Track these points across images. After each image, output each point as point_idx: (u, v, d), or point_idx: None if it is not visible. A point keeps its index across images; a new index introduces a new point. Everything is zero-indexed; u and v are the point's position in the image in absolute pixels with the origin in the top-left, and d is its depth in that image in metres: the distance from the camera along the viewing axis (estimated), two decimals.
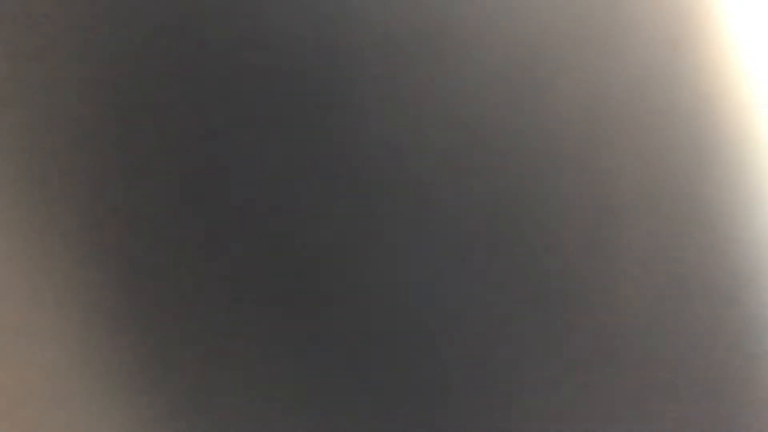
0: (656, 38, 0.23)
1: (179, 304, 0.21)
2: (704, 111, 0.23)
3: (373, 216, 0.21)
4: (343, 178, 0.21)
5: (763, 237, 0.24)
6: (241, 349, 0.21)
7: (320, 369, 0.21)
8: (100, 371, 0.22)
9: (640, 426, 0.22)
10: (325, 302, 0.21)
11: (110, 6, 0.20)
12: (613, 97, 0.22)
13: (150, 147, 0.21)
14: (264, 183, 0.21)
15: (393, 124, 0.21)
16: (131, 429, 0.22)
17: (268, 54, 0.21)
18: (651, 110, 0.22)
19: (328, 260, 0.21)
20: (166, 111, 0.21)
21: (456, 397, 0.22)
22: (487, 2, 0.21)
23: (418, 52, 0.21)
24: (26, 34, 0.21)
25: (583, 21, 0.22)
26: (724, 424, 0.23)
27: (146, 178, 0.21)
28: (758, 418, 0.23)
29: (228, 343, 0.21)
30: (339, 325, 0.21)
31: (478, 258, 0.21)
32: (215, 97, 0.21)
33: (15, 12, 0.20)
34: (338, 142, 0.21)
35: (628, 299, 0.22)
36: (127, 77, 0.21)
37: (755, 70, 0.25)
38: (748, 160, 0.24)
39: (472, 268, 0.21)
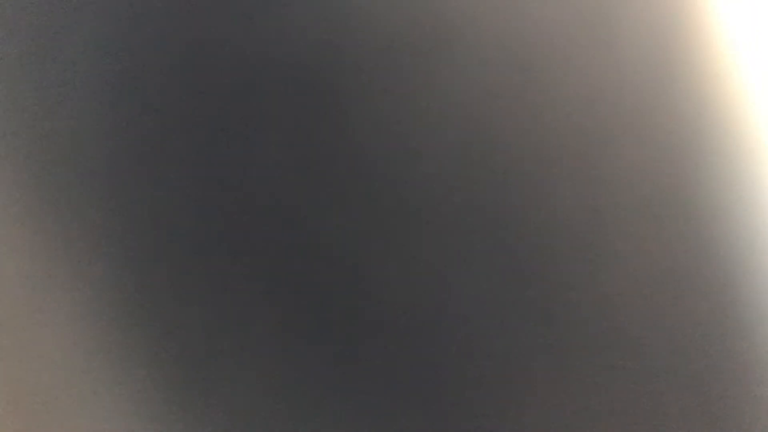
0: (657, 38, 0.23)
1: (178, 303, 0.21)
2: (702, 112, 0.23)
3: (376, 215, 0.21)
4: (345, 177, 0.21)
5: (759, 237, 0.24)
6: (241, 347, 0.21)
7: (320, 368, 0.21)
8: (99, 368, 0.21)
9: (634, 425, 0.22)
10: (325, 300, 0.21)
11: (112, 4, 0.20)
12: (614, 98, 0.22)
13: (153, 145, 0.21)
14: (267, 181, 0.21)
15: (398, 124, 0.21)
16: (130, 426, 0.22)
17: (276, 53, 0.21)
18: (652, 111, 0.22)
19: (330, 258, 0.21)
20: (168, 110, 0.21)
21: (454, 395, 0.22)
22: (493, 0, 0.21)
23: (423, 52, 0.21)
24: (26, 36, 0.21)
25: (590, 22, 0.22)
26: (718, 423, 0.23)
27: (146, 176, 0.21)
28: (753, 418, 0.23)
29: (227, 342, 0.21)
30: (339, 323, 0.21)
31: (479, 256, 0.21)
32: (221, 95, 0.21)
33: (15, 13, 0.20)
34: (343, 142, 0.21)
35: (624, 299, 0.22)
36: (128, 74, 0.21)
37: (754, 70, 0.25)
38: (745, 161, 0.24)
39: (473, 267, 0.21)
